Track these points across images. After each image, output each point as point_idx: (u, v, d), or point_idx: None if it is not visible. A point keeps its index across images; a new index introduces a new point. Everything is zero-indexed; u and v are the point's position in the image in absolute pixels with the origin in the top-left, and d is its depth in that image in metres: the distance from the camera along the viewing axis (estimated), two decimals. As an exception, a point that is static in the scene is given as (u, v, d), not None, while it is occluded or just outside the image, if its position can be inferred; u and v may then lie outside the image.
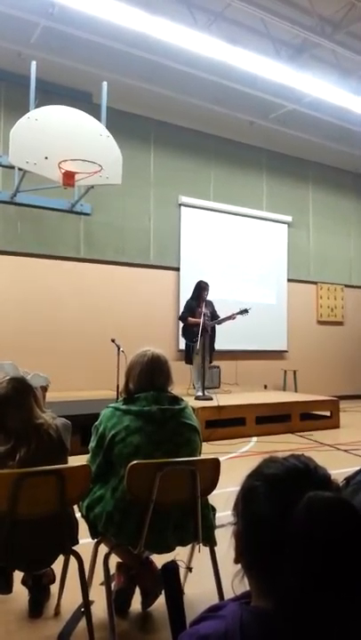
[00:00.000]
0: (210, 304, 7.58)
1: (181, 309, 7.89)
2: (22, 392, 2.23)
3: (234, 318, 7.40)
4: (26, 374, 2.31)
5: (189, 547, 2.37)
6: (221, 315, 7.52)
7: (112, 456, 2.23)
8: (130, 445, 2.18)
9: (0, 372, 2.29)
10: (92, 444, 2.32)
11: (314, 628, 0.71)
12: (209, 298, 7.61)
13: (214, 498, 2.35)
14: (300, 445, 6.12)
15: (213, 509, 2.38)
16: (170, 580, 1.31)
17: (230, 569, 0.87)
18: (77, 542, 2.20)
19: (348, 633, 0.72)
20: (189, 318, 7.45)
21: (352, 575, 0.71)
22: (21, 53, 7.17)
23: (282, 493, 0.80)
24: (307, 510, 0.74)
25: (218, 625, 0.79)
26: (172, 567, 1.34)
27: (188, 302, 7.69)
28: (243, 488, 0.87)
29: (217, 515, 2.37)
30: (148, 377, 2.32)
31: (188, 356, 7.54)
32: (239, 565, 0.86)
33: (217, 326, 7.57)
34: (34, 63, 6.32)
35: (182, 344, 8.09)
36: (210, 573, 2.28)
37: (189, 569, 2.41)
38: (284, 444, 6.09)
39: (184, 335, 7.66)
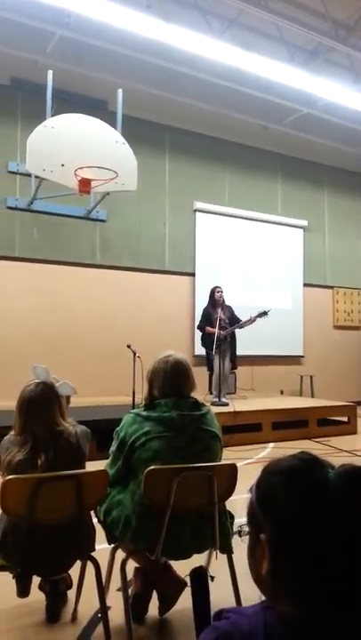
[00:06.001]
0: (228, 309, 7.45)
1: (197, 315, 7.85)
2: (49, 398, 2.24)
3: (253, 321, 7.21)
4: (55, 381, 2.32)
5: (206, 554, 2.35)
6: (242, 319, 7.36)
7: (132, 461, 2.22)
8: (149, 450, 2.17)
9: (31, 374, 2.30)
10: (112, 449, 2.33)
11: (340, 632, 0.70)
12: (228, 303, 7.49)
13: (232, 504, 2.34)
14: (317, 451, 5.97)
15: (231, 516, 2.36)
16: (199, 585, 1.29)
17: (248, 576, 0.86)
18: (94, 549, 2.20)
19: None
20: (207, 328, 7.38)
21: None
22: (38, 62, 7.27)
23: (304, 480, 0.80)
24: (346, 478, 0.74)
25: (242, 622, 0.78)
26: (201, 573, 1.33)
27: (204, 310, 7.62)
28: (260, 490, 0.83)
29: (235, 521, 2.35)
30: (172, 383, 2.31)
31: (208, 362, 7.45)
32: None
33: (236, 331, 7.42)
34: (50, 72, 6.40)
35: (198, 349, 8.07)
36: (227, 580, 2.26)
37: (211, 578, 2.39)
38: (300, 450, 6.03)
39: (203, 344, 7.59)
